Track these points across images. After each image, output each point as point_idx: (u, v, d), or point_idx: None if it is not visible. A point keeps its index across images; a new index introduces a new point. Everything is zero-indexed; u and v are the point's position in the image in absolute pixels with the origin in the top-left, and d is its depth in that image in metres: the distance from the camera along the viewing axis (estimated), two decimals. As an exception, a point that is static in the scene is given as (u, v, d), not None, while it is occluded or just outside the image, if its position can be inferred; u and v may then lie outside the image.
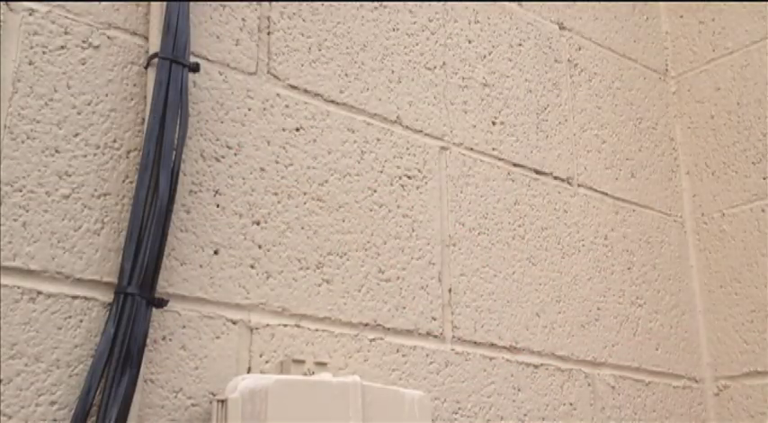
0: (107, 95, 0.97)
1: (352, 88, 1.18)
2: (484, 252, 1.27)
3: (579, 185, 1.45)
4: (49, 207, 0.90)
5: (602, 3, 1.63)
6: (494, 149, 1.33)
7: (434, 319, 1.17)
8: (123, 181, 0.96)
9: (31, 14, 0.92)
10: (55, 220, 0.90)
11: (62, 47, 0.94)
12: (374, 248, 1.14)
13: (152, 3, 1.02)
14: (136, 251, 0.91)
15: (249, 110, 1.08)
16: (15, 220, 0.88)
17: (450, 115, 1.29)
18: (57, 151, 0.92)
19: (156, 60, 0.99)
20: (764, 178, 1.54)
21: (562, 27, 1.52)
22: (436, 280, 1.19)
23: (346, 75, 1.18)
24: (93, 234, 0.92)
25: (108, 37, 0.99)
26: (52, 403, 0.86)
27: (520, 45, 1.44)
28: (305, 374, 1.00)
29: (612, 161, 1.53)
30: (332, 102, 1.15)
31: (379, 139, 1.19)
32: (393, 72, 1.23)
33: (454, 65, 1.32)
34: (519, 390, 1.24)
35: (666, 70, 1.72)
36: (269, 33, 1.12)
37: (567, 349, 1.33)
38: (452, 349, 1.18)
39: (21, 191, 0.89)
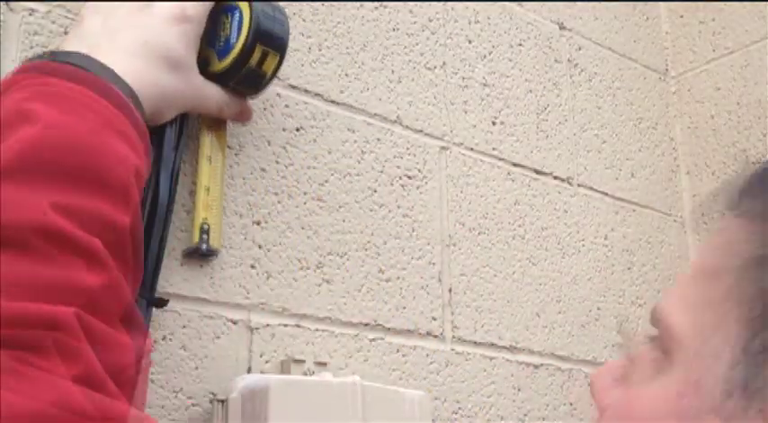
0: (107, 95, 0.97)
1: (352, 88, 1.18)
2: (484, 252, 1.27)
3: (579, 185, 1.45)
4: (49, 207, 0.90)
5: (602, 3, 1.62)
6: (494, 149, 1.33)
7: (434, 319, 1.17)
8: (123, 181, 0.96)
9: (31, 14, 0.92)
10: (55, 220, 0.90)
11: (62, 47, 0.94)
12: (374, 248, 1.14)
13: (152, 3, 1.02)
14: (136, 251, 0.91)
15: (249, 110, 1.08)
16: (15, 220, 0.88)
17: (451, 115, 1.29)
18: (57, 151, 0.92)
19: (156, 60, 0.99)
20: (764, 178, 1.53)
21: (562, 27, 1.52)
22: (436, 280, 1.19)
23: (346, 75, 1.18)
24: (93, 234, 0.92)
25: (108, 37, 0.98)
26: (52, 403, 0.86)
27: (520, 45, 1.44)
28: (305, 374, 1.00)
29: (612, 161, 1.53)
30: (332, 102, 1.15)
31: (379, 139, 1.19)
32: (393, 72, 1.23)
33: (454, 65, 1.32)
34: (519, 390, 1.24)
35: (666, 70, 1.72)
36: (269, 33, 1.12)
37: (567, 349, 1.33)
38: (452, 349, 1.18)
39: (21, 191, 0.88)
